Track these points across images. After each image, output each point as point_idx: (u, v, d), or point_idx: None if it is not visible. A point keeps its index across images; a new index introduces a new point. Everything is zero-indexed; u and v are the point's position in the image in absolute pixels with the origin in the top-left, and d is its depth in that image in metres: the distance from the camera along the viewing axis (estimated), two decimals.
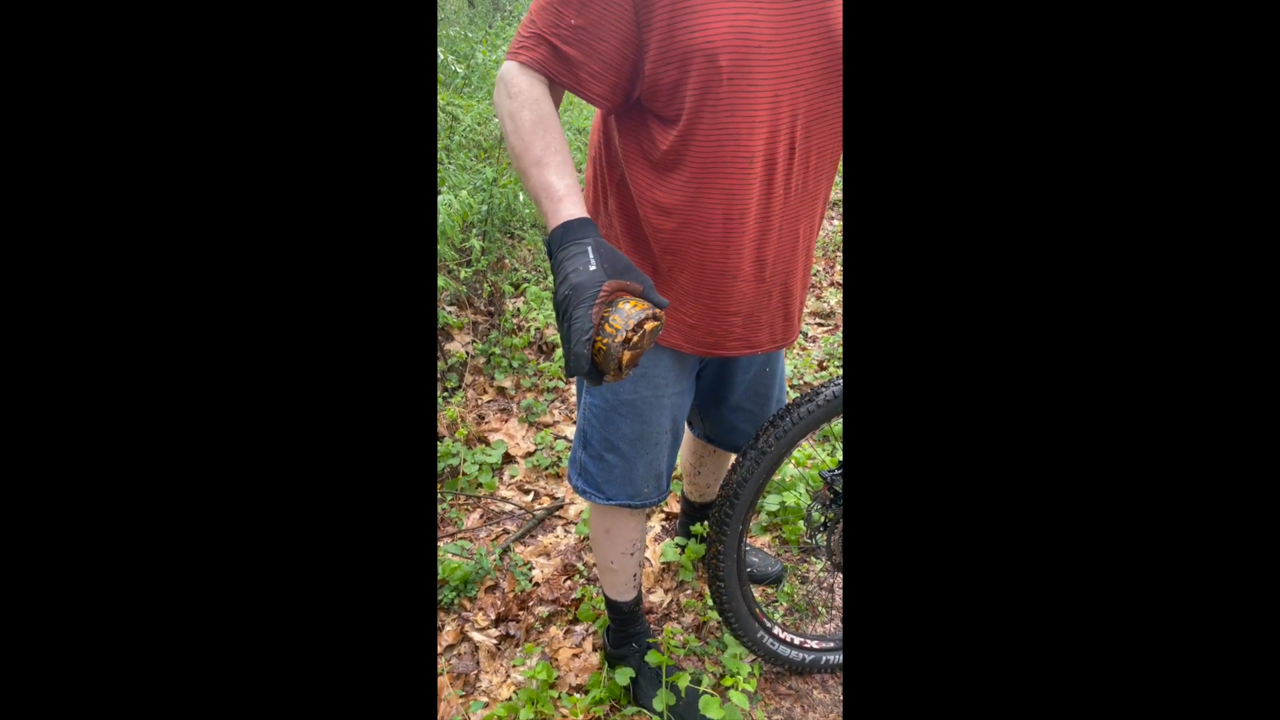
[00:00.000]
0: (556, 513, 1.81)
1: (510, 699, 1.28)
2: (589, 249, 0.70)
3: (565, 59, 0.78)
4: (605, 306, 0.69)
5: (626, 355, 0.68)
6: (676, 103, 0.79)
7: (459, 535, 1.73)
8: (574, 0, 0.76)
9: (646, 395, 1.02)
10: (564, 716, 1.25)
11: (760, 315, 0.96)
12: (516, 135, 0.78)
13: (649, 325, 0.69)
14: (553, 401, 2.20)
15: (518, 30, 0.82)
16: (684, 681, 1.19)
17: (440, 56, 3.08)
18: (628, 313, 0.69)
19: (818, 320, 2.79)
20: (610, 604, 1.28)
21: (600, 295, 0.68)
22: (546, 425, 2.10)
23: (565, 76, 0.80)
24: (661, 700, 1.18)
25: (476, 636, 1.44)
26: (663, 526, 1.74)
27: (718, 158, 0.81)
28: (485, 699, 1.31)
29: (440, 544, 1.68)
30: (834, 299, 2.93)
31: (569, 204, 0.74)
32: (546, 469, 1.94)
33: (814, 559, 1.59)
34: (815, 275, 3.20)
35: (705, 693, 1.21)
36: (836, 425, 1.90)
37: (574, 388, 2.27)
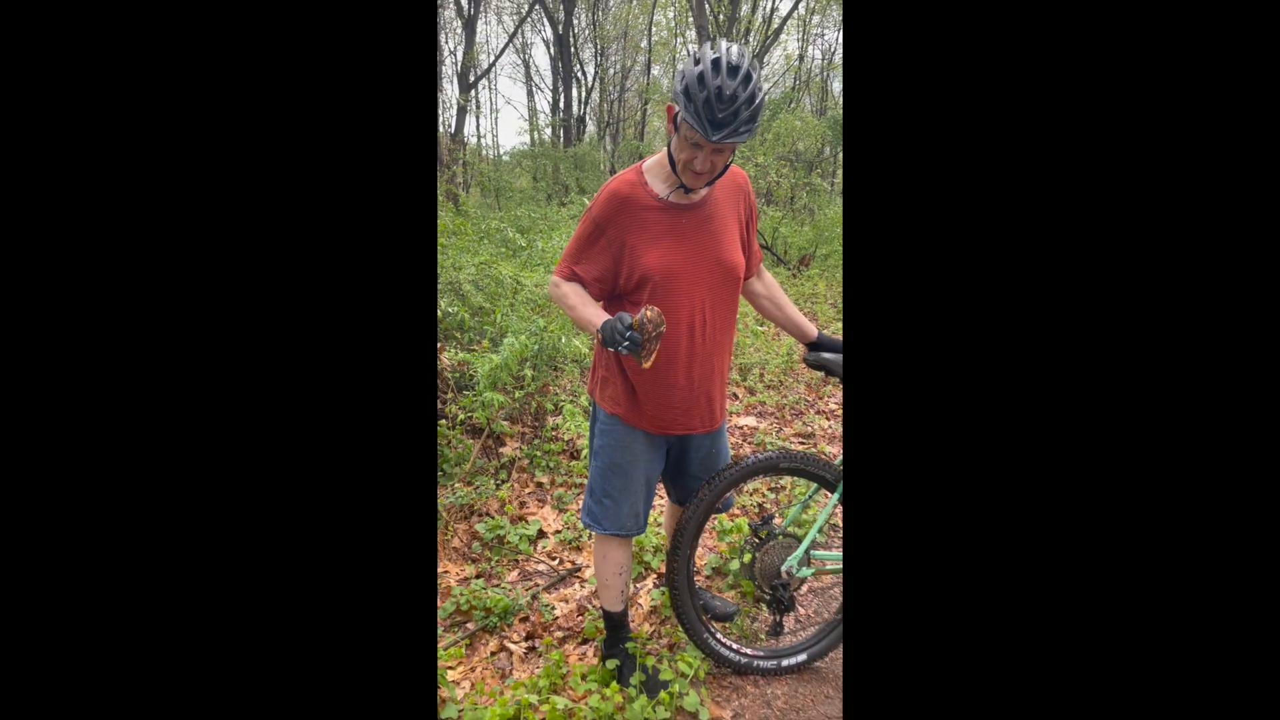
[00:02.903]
0: (575, 574, 2.38)
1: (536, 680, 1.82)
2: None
3: (578, 275, 1.57)
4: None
5: (650, 313, 1.36)
6: (636, 296, 1.54)
7: (502, 585, 2.31)
8: (584, 250, 1.56)
9: (629, 459, 1.67)
10: (569, 692, 1.77)
11: (693, 409, 1.63)
12: (564, 300, 1.57)
13: (654, 310, 1.38)
14: (577, 494, 2.83)
15: (561, 256, 1.61)
16: (652, 662, 1.72)
17: (509, 233, 4.04)
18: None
19: (799, 439, 3.40)
20: (605, 614, 1.84)
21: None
22: (572, 511, 2.72)
23: (579, 283, 1.58)
24: (636, 678, 1.72)
25: (511, 646, 1.99)
26: (654, 582, 2.29)
27: None
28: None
29: (489, 588, 2.27)
30: (816, 423, 3.55)
31: (602, 317, 1.49)
32: (570, 542, 2.54)
33: (763, 605, 2.11)
34: (800, 404, 3.86)
35: (665, 669, 1.74)
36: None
37: None
